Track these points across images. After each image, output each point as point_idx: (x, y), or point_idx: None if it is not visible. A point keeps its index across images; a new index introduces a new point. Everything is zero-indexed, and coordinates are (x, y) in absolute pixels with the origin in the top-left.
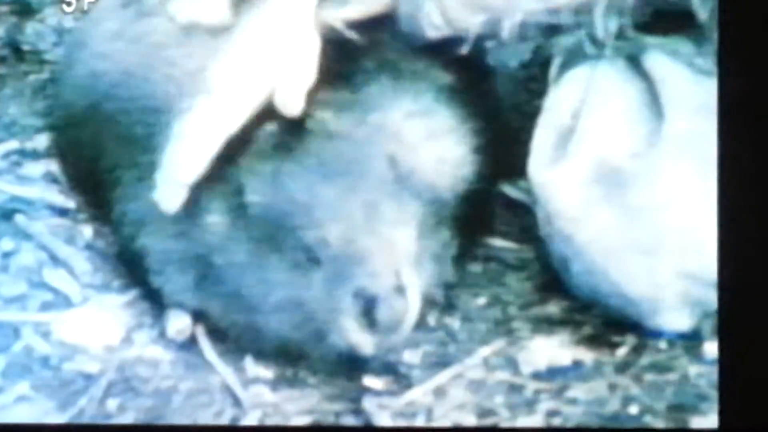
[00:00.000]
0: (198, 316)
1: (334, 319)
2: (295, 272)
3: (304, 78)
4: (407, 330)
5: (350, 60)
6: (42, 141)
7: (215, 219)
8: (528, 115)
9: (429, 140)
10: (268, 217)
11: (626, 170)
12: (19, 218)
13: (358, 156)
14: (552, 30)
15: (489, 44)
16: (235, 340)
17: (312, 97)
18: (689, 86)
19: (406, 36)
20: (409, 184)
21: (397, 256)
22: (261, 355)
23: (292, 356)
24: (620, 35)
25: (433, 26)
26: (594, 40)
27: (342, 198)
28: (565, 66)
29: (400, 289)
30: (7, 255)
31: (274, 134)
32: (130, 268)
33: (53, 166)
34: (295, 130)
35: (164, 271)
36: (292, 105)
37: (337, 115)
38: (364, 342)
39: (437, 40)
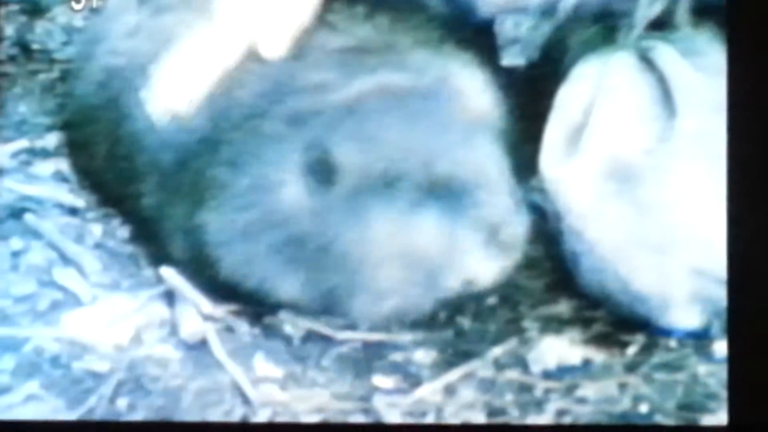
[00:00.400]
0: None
1: (451, 257)
2: (402, 220)
3: (290, 23)
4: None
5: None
6: (52, 140)
7: (291, 185)
8: (536, 115)
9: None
10: (363, 174)
11: (637, 167)
12: (28, 217)
13: (430, 104)
14: (603, 14)
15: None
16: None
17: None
18: (701, 83)
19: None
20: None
21: (501, 180)
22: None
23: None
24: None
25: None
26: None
27: (436, 139)
28: (577, 61)
29: (515, 207)
30: (16, 254)
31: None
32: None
33: (63, 164)
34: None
35: (228, 242)
36: (274, 49)
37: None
38: (484, 271)
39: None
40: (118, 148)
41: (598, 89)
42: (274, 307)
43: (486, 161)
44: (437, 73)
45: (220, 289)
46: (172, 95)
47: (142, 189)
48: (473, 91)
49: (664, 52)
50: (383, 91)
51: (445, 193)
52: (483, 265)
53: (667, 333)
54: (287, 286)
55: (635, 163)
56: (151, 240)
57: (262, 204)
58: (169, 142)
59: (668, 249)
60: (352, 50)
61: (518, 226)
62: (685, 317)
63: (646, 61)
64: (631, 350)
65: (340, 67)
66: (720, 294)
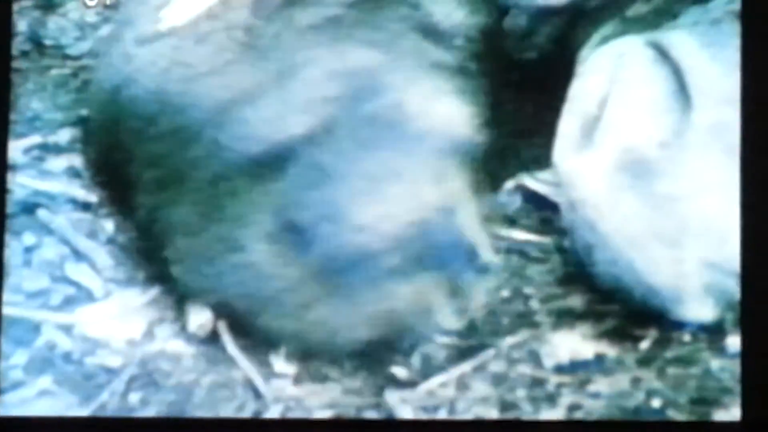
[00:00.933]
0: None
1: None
2: (380, 290)
3: None
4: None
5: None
6: (64, 135)
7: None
8: (548, 107)
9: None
10: (335, 249)
11: (652, 159)
12: (41, 213)
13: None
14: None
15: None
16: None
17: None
18: (717, 76)
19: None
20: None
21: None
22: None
23: None
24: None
25: None
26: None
27: (410, 208)
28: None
29: (484, 269)
30: (29, 249)
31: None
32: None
33: (76, 160)
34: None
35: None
36: None
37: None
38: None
39: None
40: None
41: (613, 81)
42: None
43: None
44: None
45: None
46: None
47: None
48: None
49: (679, 44)
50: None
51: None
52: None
53: (680, 326)
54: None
55: (650, 155)
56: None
57: None
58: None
59: (682, 241)
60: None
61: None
62: (699, 310)
63: (662, 52)
64: (644, 345)
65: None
66: (734, 287)
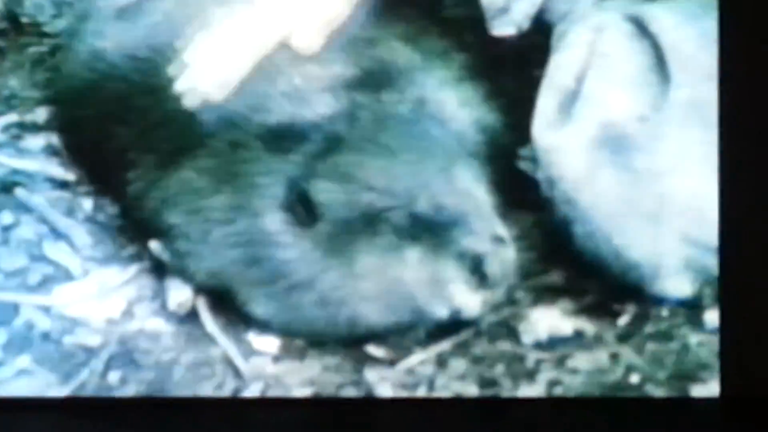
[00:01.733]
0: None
1: (437, 289)
2: (387, 256)
3: (324, 20)
4: (512, 278)
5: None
6: (42, 114)
7: (273, 219)
8: (528, 85)
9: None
10: (346, 213)
11: (631, 134)
12: (19, 191)
13: (411, 130)
14: None
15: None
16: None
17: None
18: (696, 50)
19: None
20: (463, 144)
21: (485, 209)
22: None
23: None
24: None
25: None
26: None
27: (417, 171)
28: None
29: (500, 240)
30: (7, 228)
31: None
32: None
33: (53, 138)
34: (339, 120)
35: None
36: (308, 45)
37: (376, 97)
38: (472, 302)
39: None
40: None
41: (592, 55)
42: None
43: (468, 192)
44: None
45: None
46: (205, 78)
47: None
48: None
49: (658, 18)
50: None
51: (429, 227)
52: (469, 297)
53: (659, 301)
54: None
55: (628, 130)
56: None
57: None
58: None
59: (661, 216)
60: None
61: (503, 261)
62: (677, 285)
63: (640, 27)
64: (623, 320)
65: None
66: (712, 262)
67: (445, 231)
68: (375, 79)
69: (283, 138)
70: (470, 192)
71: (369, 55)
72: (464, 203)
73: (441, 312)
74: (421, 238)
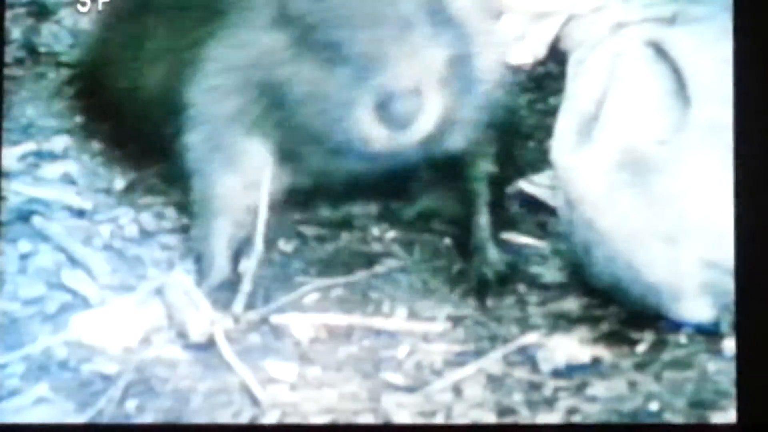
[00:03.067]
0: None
1: (351, 110)
2: (323, 69)
3: None
4: (417, 133)
5: None
6: (59, 142)
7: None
8: (543, 113)
9: None
10: (307, 20)
11: (651, 157)
12: (36, 220)
13: None
14: None
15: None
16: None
17: None
18: (715, 73)
19: None
20: (443, 17)
21: (422, 67)
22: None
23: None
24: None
25: None
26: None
27: (378, 9)
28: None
29: (416, 91)
30: (24, 257)
31: None
32: None
33: (70, 167)
34: None
35: None
36: None
37: None
38: (376, 136)
39: None
40: None
41: (611, 80)
42: None
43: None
44: None
45: None
46: None
47: None
48: None
49: (677, 42)
50: None
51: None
52: (374, 129)
53: (677, 327)
54: None
55: (648, 153)
56: None
57: None
58: None
59: (680, 240)
60: None
61: (411, 107)
62: (696, 309)
63: (660, 51)
64: (641, 348)
65: None
66: (731, 285)
67: (373, 64)
68: None
69: None
70: (418, 49)
71: None
72: (403, 52)
73: (352, 131)
74: (351, 63)
